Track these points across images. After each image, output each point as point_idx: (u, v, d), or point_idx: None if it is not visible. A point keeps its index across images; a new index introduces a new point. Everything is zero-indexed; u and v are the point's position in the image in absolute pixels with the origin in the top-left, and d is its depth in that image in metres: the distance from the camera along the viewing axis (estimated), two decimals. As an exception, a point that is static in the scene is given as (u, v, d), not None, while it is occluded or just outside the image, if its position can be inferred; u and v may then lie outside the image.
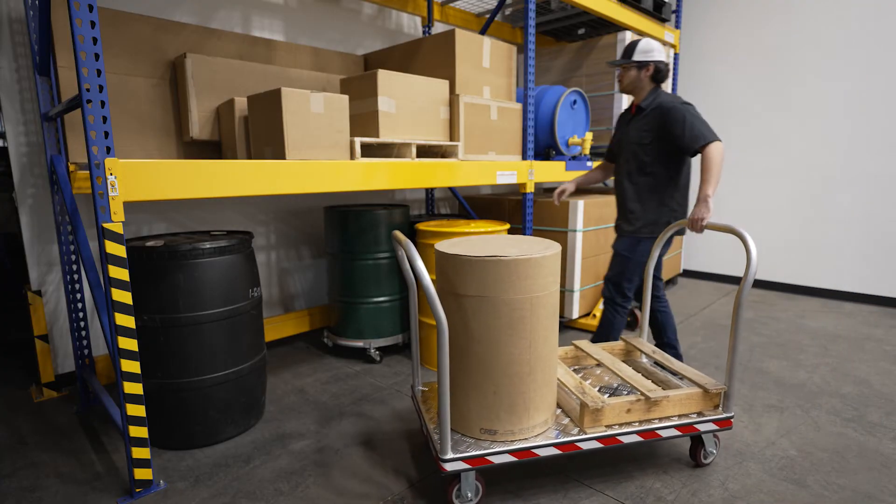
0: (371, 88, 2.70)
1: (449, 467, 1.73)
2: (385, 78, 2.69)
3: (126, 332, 1.79)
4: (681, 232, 2.74)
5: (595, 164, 4.06)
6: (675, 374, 2.31)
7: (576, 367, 2.50)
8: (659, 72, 2.59)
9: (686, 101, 2.52)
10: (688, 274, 5.60)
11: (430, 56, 3.25)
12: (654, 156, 2.55)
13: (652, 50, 2.57)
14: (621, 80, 2.68)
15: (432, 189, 4.47)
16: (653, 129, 2.54)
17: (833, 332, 3.74)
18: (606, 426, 1.91)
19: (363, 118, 2.78)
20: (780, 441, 2.27)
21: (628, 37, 4.10)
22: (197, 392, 2.20)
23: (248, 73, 2.92)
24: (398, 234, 1.99)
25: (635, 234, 2.65)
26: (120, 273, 1.75)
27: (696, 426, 1.97)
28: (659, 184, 2.59)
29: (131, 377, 1.83)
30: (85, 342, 2.65)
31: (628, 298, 2.72)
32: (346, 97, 2.47)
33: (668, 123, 2.46)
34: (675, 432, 1.95)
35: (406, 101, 2.82)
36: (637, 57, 2.58)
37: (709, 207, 2.33)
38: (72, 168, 2.20)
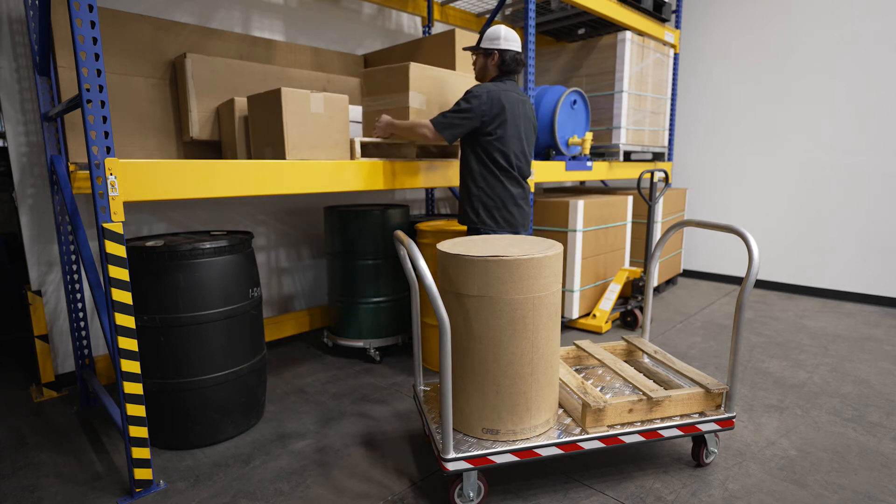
0: (401, 83, 2.56)
1: (451, 467, 1.73)
2: (417, 71, 2.51)
3: (126, 332, 1.79)
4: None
5: (595, 164, 4.06)
6: (676, 373, 2.31)
7: (578, 367, 2.50)
8: (505, 62, 2.43)
9: (497, 86, 2.38)
10: (687, 274, 5.60)
11: (430, 56, 3.24)
12: (465, 142, 2.51)
13: (498, 38, 2.41)
14: (473, 67, 2.58)
15: (432, 189, 4.47)
16: None
17: (833, 332, 3.74)
18: (608, 426, 1.91)
19: (391, 114, 2.65)
20: (780, 441, 2.27)
21: (628, 37, 4.10)
22: (197, 392, 2.20)
23: (248, 73, 2.91)
24: (400, 233, 1.99)
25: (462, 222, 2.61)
26: (120, 273, 1.74)
27: (698, 426, 1.97)
28: (467, 171, 2.52)
29: (131, 377, 1.83)
30: (85, 342, 2.64)
31: None
32: (345, 97, 2.46)
33: None
34: (678, 432, 1.95)
35: (433, 97, 2.68)
36: (483, 44, 2.46)
37: (386, 122, 2.51)
38: (72, 168, 2.19)
